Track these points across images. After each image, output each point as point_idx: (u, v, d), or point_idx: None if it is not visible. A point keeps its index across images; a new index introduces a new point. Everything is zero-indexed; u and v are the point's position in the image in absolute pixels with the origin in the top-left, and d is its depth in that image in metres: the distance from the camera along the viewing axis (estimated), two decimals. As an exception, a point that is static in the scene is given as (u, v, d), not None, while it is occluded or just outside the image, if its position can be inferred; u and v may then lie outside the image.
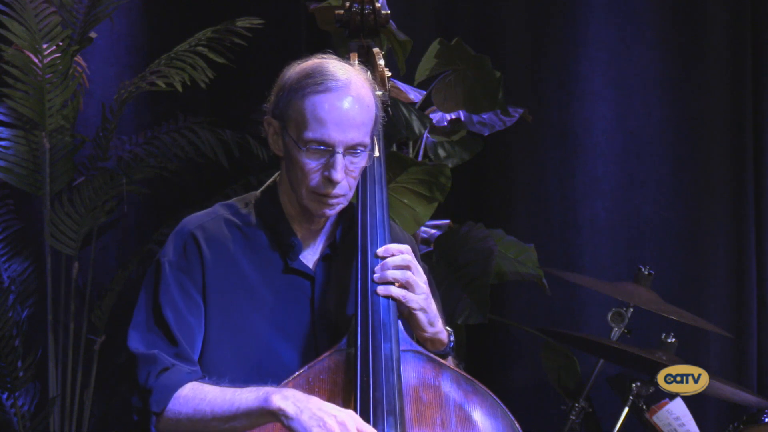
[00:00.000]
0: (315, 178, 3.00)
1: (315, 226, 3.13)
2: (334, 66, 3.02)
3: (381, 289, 2.99)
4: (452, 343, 3.11)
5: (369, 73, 3.13)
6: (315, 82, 2.98)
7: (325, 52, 3.09)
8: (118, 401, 4.95)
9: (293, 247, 3.09)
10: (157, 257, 3.07)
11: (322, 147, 2.98)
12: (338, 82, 2.98)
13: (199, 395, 2.91)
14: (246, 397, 2.85)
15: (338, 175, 2.98)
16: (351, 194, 3.05)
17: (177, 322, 3.01)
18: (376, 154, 3.09)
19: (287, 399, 2.80)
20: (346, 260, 3.12)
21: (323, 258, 3.12)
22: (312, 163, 2.99)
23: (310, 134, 2.97)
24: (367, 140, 3.01)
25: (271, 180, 3.17)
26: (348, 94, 2.98)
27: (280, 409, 2.79)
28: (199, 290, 3.04)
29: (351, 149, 2.99)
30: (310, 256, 3.12)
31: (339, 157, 2.98)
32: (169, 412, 2.92)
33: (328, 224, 3.15)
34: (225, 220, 3.11)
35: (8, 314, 4.70)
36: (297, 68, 3.04)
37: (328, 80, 2.98)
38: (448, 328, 3.11)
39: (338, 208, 3.06)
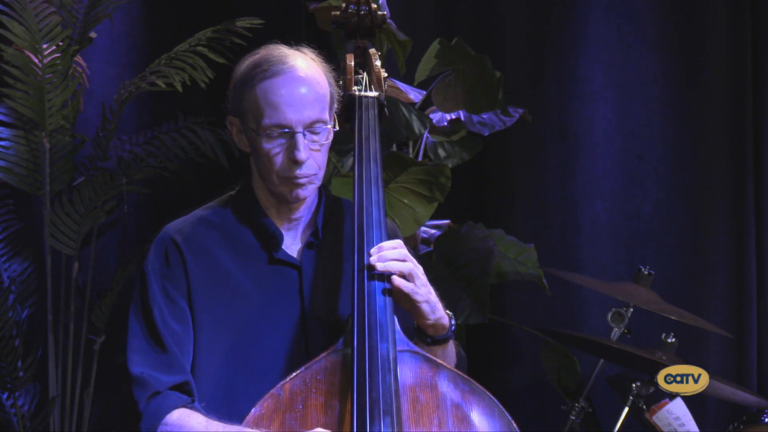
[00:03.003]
0: (279, 162, 3.05)
1: (294, 213, 3.15)
2: (279, 52, 3.08)
3: (396, 280, 2.99)
4: (453, 326, 3.12)
5: (320, 53, 3.16)
6: (262, 69, 3.04)
7: (271, 42, 3.14)
8: (118, 401, 4.95)
9: (275, 237, 3.12)
10: (142, 266, 3.10)
11: (280, 130, 3.02)
12: (284, 65, 3.04)
13: (185, 429, 2.96)
14: None
15: (302, 154, 3.02)
16: (321, 173, 3.10)
17: (165, 330, 3.03)
18: (336, 128, 3.10)
19: None
20: (332, 248, 3.15)
21: (307, 246, 3.14)
22: (275, 148, 3.04)
23: (267, 120, 3.03)
24: (325, 116, 3.06)
25: (244, 179, 3.20)
26: (295, 74, 3.03)
27: None
28: (184, 295, 3.07)
29: (309, 127, 3.04)
30: (293, 246, 3.15)
31: (299, 137, 3.03)
32: None
33: (308, 213, 3.17)
34: (204, 221, 3.15)
35: (8, 314, 4.70)
36: (245, 62, 3.10)
37: (273, 65, 3.04)
38: (448, 312, 3.12)
39: (311, 187, 3.09)
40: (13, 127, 4.74)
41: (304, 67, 3.05)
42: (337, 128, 3.12)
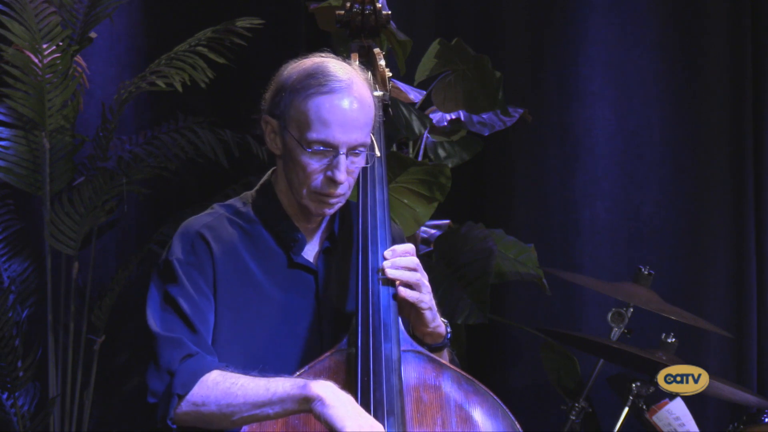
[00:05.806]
0: (317, 179, 3.02)
1: (312, 224, 3.14)
2: (335, 66, 3.03)
3: (402, 291, 2.99)
4: (449, 334, 3.12)
5: (368, 72, 3.14)
6: (318, 83, 2.99)
7: (322, 51, 3.10)
8: (118, 401, 4.94)
9: (297, 241, 3.11)
10: (164, 258, 3.06)
11: (325, 148, 2.99)
12: (341, 83, 2.99)
13: (230, 380, 2.89)
14: (282, 383, 2.83)
15: (341, 175, 3.00)
16: (349, 193, 3.07)
17: (194, 313, 3.00)
18: (377, 153, 3.09)
19: (327, 387, 2.79)
20: (345, 253, 3.15)
21: (323, 251, 3.14)
22: (315, 164, 3.01)
23: (314, 135, 2.99)
24: (368, 140, 3.04)
25: (264, 178, 3.18)
26: (350, 95, 2.99)
27: (319, 396, 2.77)
28: (210, 286, 3.05)
29: (353, 150, 3.01)
30: (310, 251, 3.14)
31: (342, 158, 3.00)
32: (194, 396, 2.90)
33: (325, 219, 3.16)
34: (227, 219, 3.12)
35: (8, 314, 4.69)
36: (297, 68, 3.05)
37: (330, 81, 2.99)
38: (443, 319, 3.12)
39: (337, 206, 3.09)
40: (13, 127, 4.73)
41: (358, 88, 3.01)
42: (378, 154, 3.10)
